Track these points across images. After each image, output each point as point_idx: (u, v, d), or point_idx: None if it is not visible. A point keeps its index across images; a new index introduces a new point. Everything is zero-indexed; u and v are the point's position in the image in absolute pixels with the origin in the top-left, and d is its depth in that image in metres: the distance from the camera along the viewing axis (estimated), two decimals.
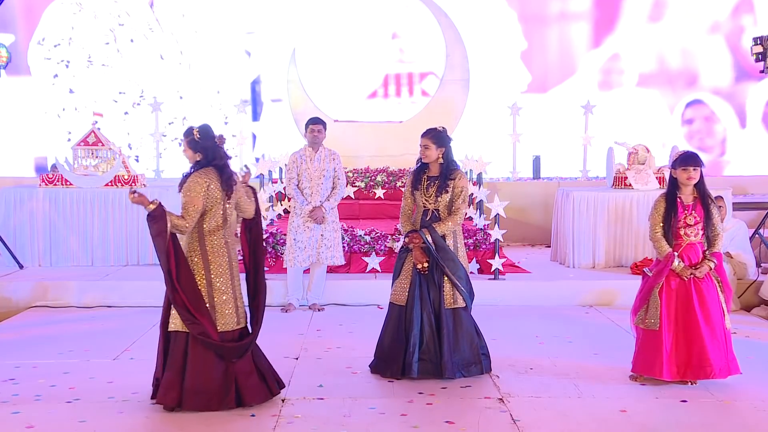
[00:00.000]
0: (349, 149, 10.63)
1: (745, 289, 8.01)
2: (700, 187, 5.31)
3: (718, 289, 5.31)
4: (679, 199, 5.30)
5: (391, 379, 5.41)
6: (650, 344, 5.30)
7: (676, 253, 5.27)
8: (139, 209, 8.94)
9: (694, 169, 5.25)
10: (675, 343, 5.25)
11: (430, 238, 5.42)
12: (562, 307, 7.82)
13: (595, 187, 10.22)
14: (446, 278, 5.47)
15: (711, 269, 5.28)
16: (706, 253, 5.31)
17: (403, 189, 5.91)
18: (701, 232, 5.29)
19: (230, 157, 5.08)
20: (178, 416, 4.76)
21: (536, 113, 12.60)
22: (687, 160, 5.28)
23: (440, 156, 5.53)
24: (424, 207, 5.54)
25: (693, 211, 5.28)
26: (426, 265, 5.45)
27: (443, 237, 5.46)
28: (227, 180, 4.89)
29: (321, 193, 7.43)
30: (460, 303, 5.49)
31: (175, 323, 4.78)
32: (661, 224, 5.31)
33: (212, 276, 4.83)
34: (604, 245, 9.12)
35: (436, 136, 5.54)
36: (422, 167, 5.62)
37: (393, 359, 5.50)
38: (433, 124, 5.73)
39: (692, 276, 5.26)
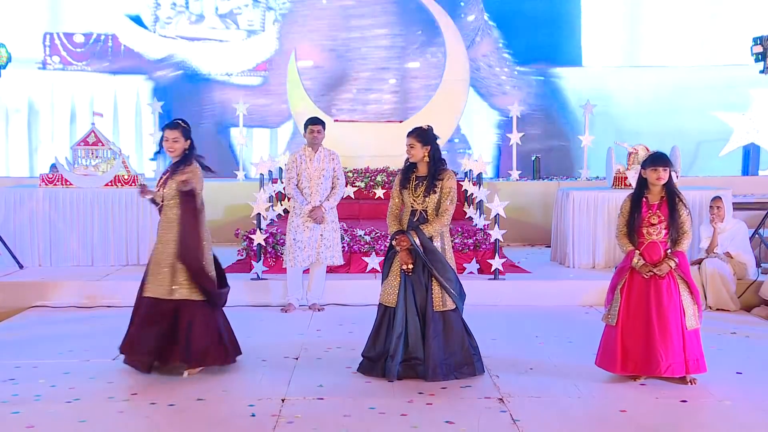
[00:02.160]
0: (349, 149, 10.62)
1: (745, 289, 8.01)
2: (668, 186, 5.37)
3: (683, 288, 5.35)
4: (645, 199, 5.39)
5: (391, 379, 5.40)
6: (609, 339, 5.43)
7: (637, 251, 5.36)
8: (140, 208, 8.97)
9: (664, 170, 5.32)
10: (631, 338, 5.34)
11: (417, 240, 5.37)
12: (562, 307, 7.82)
13: (595, 187, 10.22)
14: (434, 280, 5.41)
15: (672, 268, 5.32)
16: (668, 251, 5.36)
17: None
18: (664, 232, 5.34)
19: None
20: (178, 416, 4.77)
21: None
22: (656, 160, 5.36)
23: (426, 155, 5.47)
24: (412, 207, 5.48)
25: (657, 211, 5.35)
26: (411, 266, 5.42)
27: (431, 239, 5.40)
28: None
29: (320, 193, 7.43)
30: (450, 305, 5.43)
31: None
32: (626, 224, 5.42)
33: None
34: (604, 245, 9.13)
35: (421, 135, 5.49)
36: (410, 166, 5.55)
37: (378, 360, 5.49)
38: (433, 123, 5.71)
39: (652, 274, 5.32)
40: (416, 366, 5.41)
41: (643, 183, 5.43)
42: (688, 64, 14.72)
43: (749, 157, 13.33)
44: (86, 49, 14.76)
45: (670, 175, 5.37)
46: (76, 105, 14.83)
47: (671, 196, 5.36)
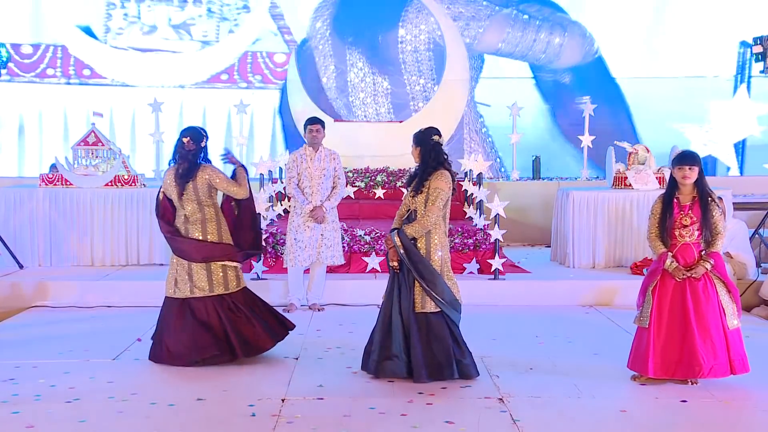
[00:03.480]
0: (349, 149, 10.62)
1: (745, 289, 8.00)
2: (699, 185, 5.26)
3: (719, 288, 5.26)
4: (676, 200, 5.28)
5: (391, 379, 5.40)
6: (641, 341, 5.33)
7: (670, 253, 5.27)
8: (140, 208, 8.97)
9: (690, 168, 5.22)
10: (666, 341, 5.23)
11: (398, 241, 5.35)
12: (562, 307, 7.82)
13: (595, 187, 10.22)
14: (417, 281, 5.36)
15: (708, 270, 5.23)
16: (703, 253, 5.27)
17: (402, 189, 5.86)
18: (697, 233, 5.23)
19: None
20: (178, 416, 4.77)
21: None
22: (683, 159, 5.26)
23: (418, 155, 5.51)
24: (408, 207, 5.50)
25: (690, 212, 5.24)
26: (396, 264, 5.40)
27: (414, 240, 5.35)
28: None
29: (321, 192, 7.43)
30: (430, 308, 5.33)
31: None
32: (657, 225, 5.31)
33: None
34: (604, 245, 9.13)
35: (415, 136, 5.54)
36: (416, 169, 5.58)
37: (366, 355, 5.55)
38: (433, 123, 5.72)
39: (686, 277, 5.22)
40: (398, 363, 5.37)
41: (674, 183, 5.31)
42: (645, 75, 14.71)
43: (706, 169, 13.31)
44: (35, 61, 14.58)
45: (701, 174, 5.26)
46: (24, 117, 14.56)
47: (703, 196, 5.22)
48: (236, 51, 14.80)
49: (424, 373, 5.33)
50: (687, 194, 5.28)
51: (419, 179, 5.44)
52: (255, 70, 14.75)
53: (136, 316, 7.21)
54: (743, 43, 14.04)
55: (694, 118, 13.49)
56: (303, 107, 11.85)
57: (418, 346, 5.34)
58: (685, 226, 5.25)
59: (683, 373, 5.23)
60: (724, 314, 5.24)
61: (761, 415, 4.83)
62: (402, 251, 5.34)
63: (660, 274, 5.30)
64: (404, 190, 5.72)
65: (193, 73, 14.75)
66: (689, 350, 5.17)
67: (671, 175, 5.37)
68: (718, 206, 5.29)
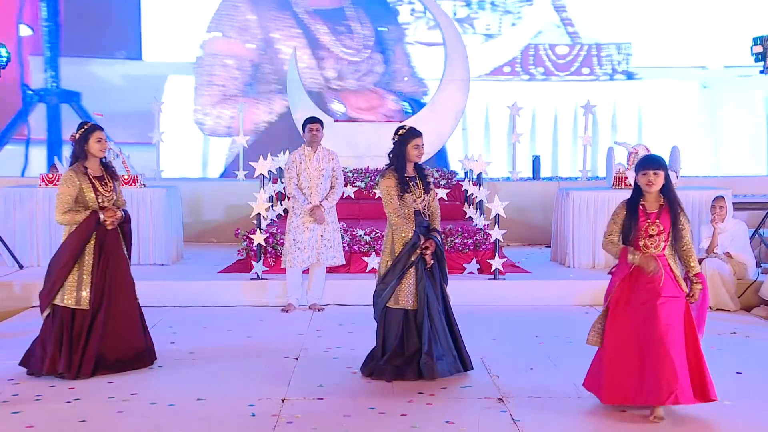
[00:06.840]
0: (349, 149, 10.62)
1: (745, 289, 8.01)
2: (666, 193, 4.74)
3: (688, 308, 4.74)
4: (641, 207, 4.77)
5: (389, 379, 5.40)
6: (596, 361, 4.91)
7: (630, 247, 4.73)
8: (139, 208, 8.98)
9: (654, 173, 4.69)
10: (622, 364, 4.70)
11: (440, 239, 5.54)
12: (562, 307, 7.82)
13: (595, 187, 10.22)
14: (441, 277, 5.56)
15: (700, 290, 4.79)
16: (691, 276, 4.75)
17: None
18: (663, 245, 4.71)
19: None
20: (178, 416, 4.77)
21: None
22: (646, 163, 4.76)
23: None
24: (415, 208, 5.50)
25: (657, 220, 4.72)
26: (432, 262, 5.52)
27: None
28: None
29: (320, 193, 7.42)
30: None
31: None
32: (618, 232, 4.81)
33: None
34: None
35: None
36: (402, 168, 5.51)
37: (409, 363, 5.41)
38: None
39: (656, 273, 4.65)
40: (448, 360, 5.43)
41: (639, 189, 4.79)
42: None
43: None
44: None
45: (668, 180, 4.75)
46: None
47: (672, 205, 4.72)
48: (519, 44, 14.84)
49: (469, 361, 5.52)
50: (653, 201, 4.76)
51: (424, 179, 5.60)
52: (537, 62, 14.74)
53: None
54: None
55: None
56: (303, 107, 11.83)
57: (459, 337, 5.54)
58: (651, 236, 4.71)
59: (643, 400, 4.68)
60: (693, 332, 4.72)
61: (761, 415, 4.83)
62: (440, 250, 5.51)
63: (624, 274, 4.77)
64: (392, 192, 5.50)
65: (477, 66, 14.63)
66: (652, 374, 4.61)
67: (635, 181, 4.84)
68: (687, 217, 4.78)
